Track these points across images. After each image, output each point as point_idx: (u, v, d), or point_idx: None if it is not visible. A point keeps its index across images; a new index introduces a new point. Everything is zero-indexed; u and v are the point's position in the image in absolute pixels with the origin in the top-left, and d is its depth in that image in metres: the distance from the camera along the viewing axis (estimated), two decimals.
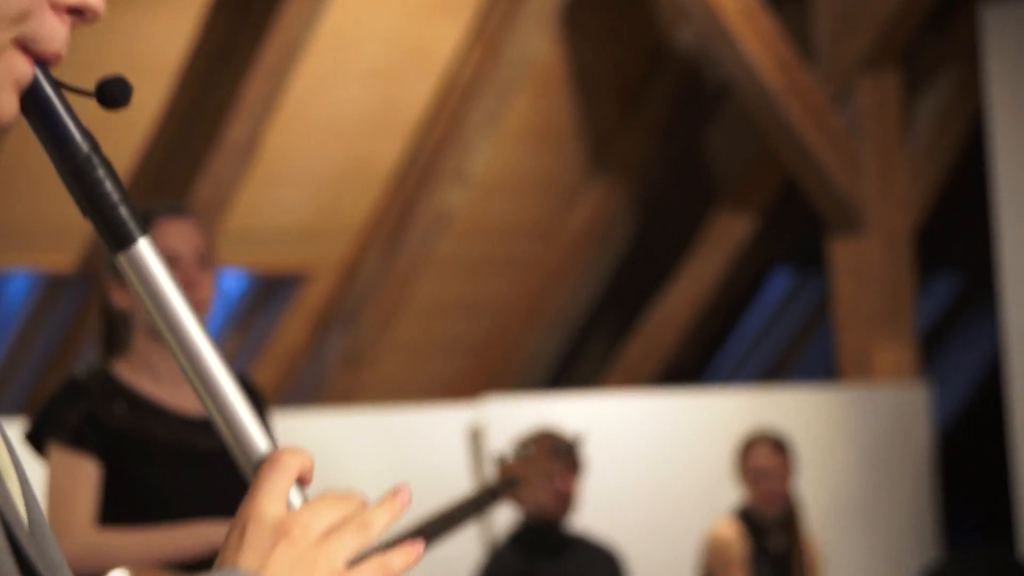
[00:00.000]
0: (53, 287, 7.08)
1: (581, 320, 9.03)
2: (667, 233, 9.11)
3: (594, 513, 5.94)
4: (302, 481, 1.16)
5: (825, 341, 8.92)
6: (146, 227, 3.66)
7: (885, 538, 7.00)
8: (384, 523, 1.16)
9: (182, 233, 3.24)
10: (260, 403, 3.32)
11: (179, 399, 3.26)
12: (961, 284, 10.85)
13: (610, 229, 8.61)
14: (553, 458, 3.88)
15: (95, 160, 1.15)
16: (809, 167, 7.26)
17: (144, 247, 1.17)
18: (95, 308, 3.35)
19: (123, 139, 6.47)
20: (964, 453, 10.17)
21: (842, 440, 7.02)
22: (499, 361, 8.72)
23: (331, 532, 1.13)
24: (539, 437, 4.40)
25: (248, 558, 1.11)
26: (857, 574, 6.87)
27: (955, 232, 9.72)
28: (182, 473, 3.22)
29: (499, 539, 5.54)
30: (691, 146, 8.88)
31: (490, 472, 3.87)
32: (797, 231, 9.44)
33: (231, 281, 7.70)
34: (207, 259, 3.28)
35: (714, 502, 6.39)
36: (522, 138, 7.99)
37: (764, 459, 6.10)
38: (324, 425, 5.84)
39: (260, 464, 1.15)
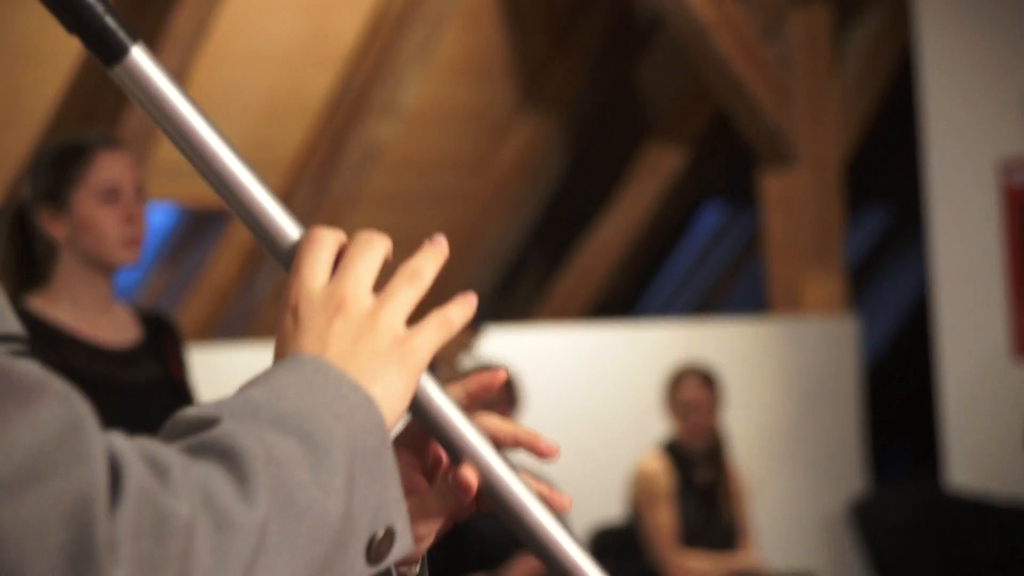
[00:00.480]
0: None
1: (513, 253, 9.04)
2: (599, 166, 9.11)
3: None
4: (341, 254, 1.12)
5: (756, 274, 8.97)
6: (84, 159, 3.55)
7: (813, 470, 7.07)
8: (432, 269, 1.14)
9: (121, 165, 3.21)
10: (175, 339, 3.30)
11: (100, 330, 3.23)
12: (890, 217, 10.92)
13: (542, 162, 8.61)
14: (464, 331, 3.86)
15: None
16: (740, 100, 7.27)
17: (139, 54, 1.11)
18: (11, 240, 3.28)
19: (51, 69, 6.40)
20: (891, 385, 10.26)
21: (771, 373, 7.07)
22: (431, 295, 8.69)
23: (384, 295, 1.11)
24: (472, 372, 4.40)
25: (307, 341, 1.08)
26: (785, 506, 6.93)
27: (885, 165, 9.76)
28: (105, 407, 3.19)
29: None
30: (623, 79, 8.88)
31: None
32: (728, 165, 9.47)
33: (160, 215, 7.65)
34: (142, 192, 3.25)
35: (644, 435, 6.43)
36: (453, 71, 7.96)
37: (692, 392, 6.14)
38: (255, 359, 5.82)
39: (298, 244, 1.11)
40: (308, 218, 7.47)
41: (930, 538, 6.56)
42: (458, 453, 1.12)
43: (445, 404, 1.12)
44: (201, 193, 7.49)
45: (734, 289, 10.62)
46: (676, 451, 6.18)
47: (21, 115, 6.50)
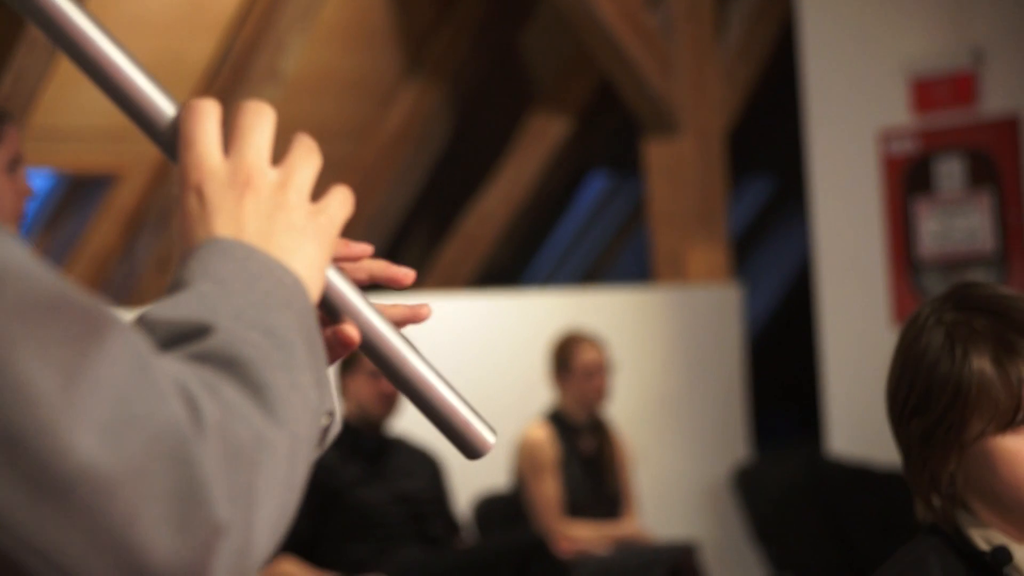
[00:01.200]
0: None
1: (398, 222, 9.00)
2: (483, 135, 9.09)
3: (408, 413, 5.95)
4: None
5: (641, 243, 9.00)
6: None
7: (697, 437, 7.11)
8: (314, 146, 1.12)
9: (21, 139, 3.18)
10: None
11: None
12: (773, 186, 11.00)
13: (426, 130, 8.57)
14: None
15: None
16: (623, 68, 7.27)
17: None
18: None
19: None
20: (775, 353, 10.35)
21: (656, 341, 7.09)
22: None
23: (287, 168, 1.08)
24: None
25: (220, 221, 1.03)
26: (669, 473, 6.96)
27: (767, 134, 9.83)
28: None
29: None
30: (507, 47, 8.85)
31: None
32: (613, 133, 9.48)
33: (38, 181, 7.53)
34: (16, 165, 3.21)
35: (529, 404, 6.43)
36: (336, 37, 7.89)
37: (594, 355, 6.14)
38: None
39: (181, 118, 1.06)
40: None
41: (811, 504, 6.63)
42: (338, 313, 1.13)
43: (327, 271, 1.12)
44: (79, 159, 7.38)
45: (619, 258, 10.66)
46: (560, 420, 6.19)
47: None
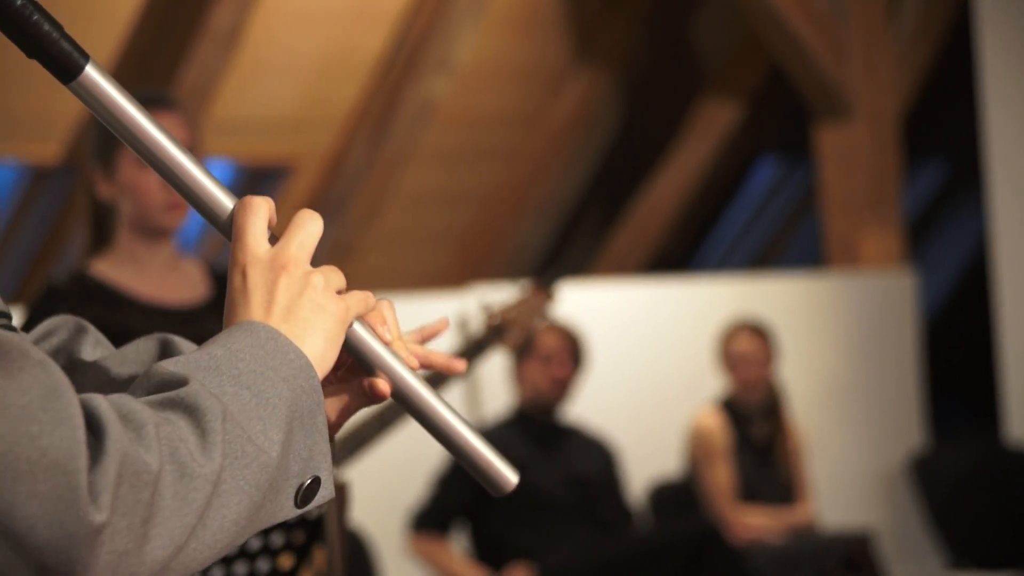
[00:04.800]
0: (39, 177, 7.05)
1: (568, 209, 9.02)
2: (653, 122, 9.08)
3: (581, 401, 5.97)
4: (270, 223, 1.30)
5: (812, 229, 8.93)
6: None
7: (871, 425, 7.04)
8: (314, 216, 1.32)
9: (171, 126, 3.19)
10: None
11: (163, 291, 3.23)
12: (948, 170, 10.84)
13: (596, 118, 8.58)
14: (538, 295, 3.82)
15: (30, 5, 1.23)
16: (794, 53, 7.22)
17: (91, 70, 1.26)
18: (82, 201, 3.29)
19: (106, 27, 6.42)
20: (950, 340, 10.21)
21: (828, 328, 7.04)
22: (486, 250, 8.72)
23: (319, 268, 1.30)
24: (523, 285, 4.33)
25: (256, 297, 1.26)
26: (843, 462, 6.91)
27: (942, 117, 9.69)
28: None
29: (492, 424, 5.57)
30: (677, 33, 8.83)
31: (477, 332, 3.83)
32: (784, 118, 9.42)
33: (216, 171, 7.67)
34: (195, 153, 3.24)
35: (700, 390, 6.42)
36: (507, 26, 7.93)
37: (744, 345, 6.12)
38: None
39: (235, 211, 1.29)
40: (364, 174, 7.47)
41: (990, 492, 6.53)
42: (371, 367, 1.35)
43: (360, 330, 1.34)
44: (257, 149, 7.51)
45: (790, 244, 10.58)
46: (732, 407, 6.17)
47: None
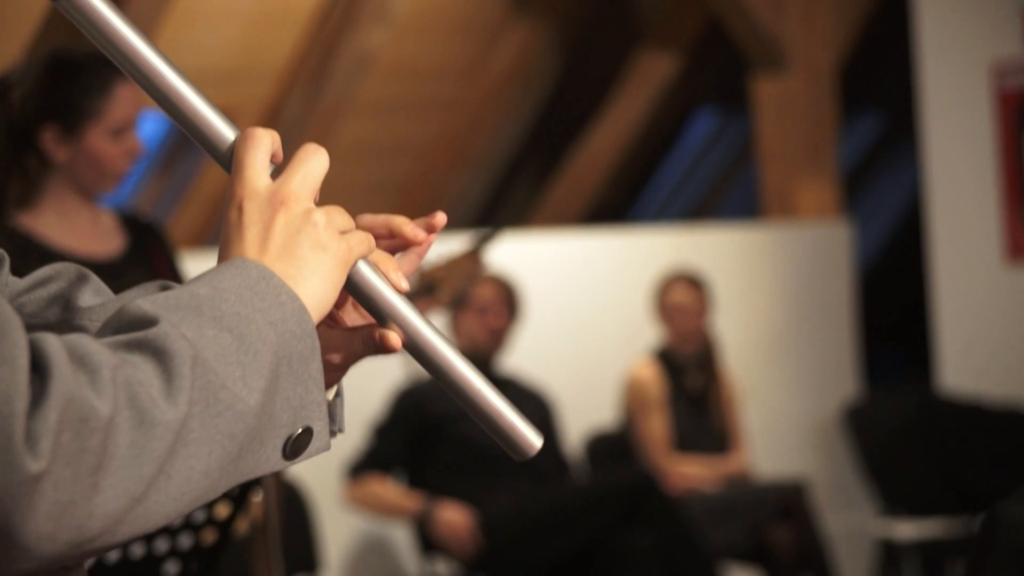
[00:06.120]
0: None
1: (506, 161, 9.02)
2: (591, 73, 9.08)
3: (518, 352, 5.98)
4: (274, 157, 1.23)
5: (749, 180, 8.96)
6: (104, 94, 3.43)
7: (806, 375, 7.09)
8: (319, 150, 1.24)
9: (135, 99, 3.16)
10: (163, 246, 3.27)
11: (90, 244, 3.19)
12: (884, 122, 10.89)
13: (533, 69, 8.57)
14: (470, 255, 3.83)
15: None
16: (731, 4, 7.23)
17: None
18: (8, 155, 3.22)
19: None
20: (885, 290, 10.28)
21: (765, 278, 7.08)
22: (424, 202, 8.70)
23: (320, 207, 1.22)
24: (456, 244, 4.32)
25: (252, 232, 1.19)
26: (777, 411, 6.96)
27: (878, 69, 9.73)
28: None
29: (428, 376, 5.57)
30: None
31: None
32: (721, 70, 9.43)
33: (153, 124, 7.63)
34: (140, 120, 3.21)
35: (636, 341, 6.45)
36: None
37: (680, 296, 6.16)
38: None
39: (237, 143, 1.21)
40: (301, 126, 7.44)
41: (923, 441, 6.60)
42: (384, 318, 1.26)
43: (371, 275, 1.25)
44: None
45: (727, 195, 10.62)
46: (668, 358, 6.20)
47: (18, 17, 6.45)
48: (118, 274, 3.15)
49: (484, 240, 3.94)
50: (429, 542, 5.47)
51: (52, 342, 1.05)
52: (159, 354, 1.08)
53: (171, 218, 7.69)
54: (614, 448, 6.19)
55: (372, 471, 5.40)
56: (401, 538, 5.91)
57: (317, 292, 1.19)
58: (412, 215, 1.24)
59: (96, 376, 1.04)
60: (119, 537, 1.07)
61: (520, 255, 6.34)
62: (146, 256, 3.23)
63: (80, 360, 1.05)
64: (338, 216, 1.22)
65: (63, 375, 1.03)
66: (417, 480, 5.47)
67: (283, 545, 3.29)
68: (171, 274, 3.24)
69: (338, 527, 5.75)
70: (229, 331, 1.12)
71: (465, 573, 5.47)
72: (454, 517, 5.32)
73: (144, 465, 1.06)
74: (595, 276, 6.67)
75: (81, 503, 1.04)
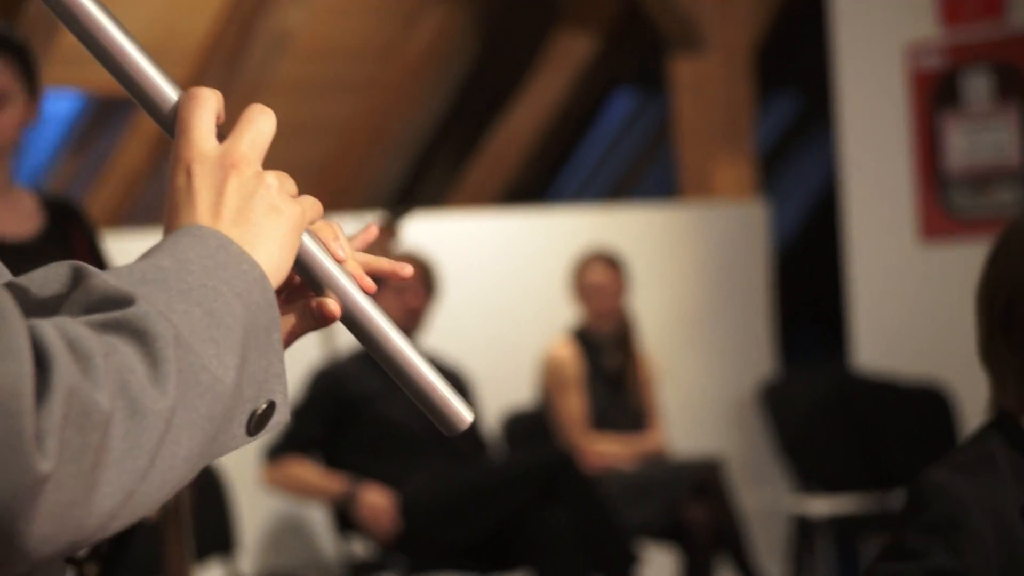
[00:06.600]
0: None
1: (425, 141, 9.00)
2: (510, 53, 9.07)
3: (435, 331, 5.98)
4: (218, 119, 1.18)
5: (668, 160, 8.99)
6: None
7: (723, 354, 7.13)
8: (266, 109, 1.22)
9: (11, 71, 3.13)
10: (83, 226, 3.24)
11: (10, 226, 3.16)
12: (800, 102, 10.96)
13: (452, 49, 8.56)
14: (382, 233, 3.83)
15: None
16: None
17: None
18: None
19: None
20: (801, 269, 10.35)
21: (682, 258, 7.11)
22: (343, 182, 8.68)
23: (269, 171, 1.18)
24: (368, 221, 4.30)
25: (203, 198, 1.13)
26: (694, 390, 7.00)
27: (795, 51, 9.78)
28: None
29: (345, 355, 5.56)
30: None
31: None
32: (639, 51, 9.45)
33: (66, 103, 7.56)
34: (19, 96, 3.16)
35: (554, 321, 6.46)
36: None
37: (597, 276, 6.17)
38: None
39: (180, 103, 1.17)
40: None
41: (837, 419, 6.65)
42: (321, 287, 1.21)
43: (310, 243, 1.20)
44: (106, 79, 7.39)
45: (646, 176, 10.65)
46: (585, 337, 6.22)
47: None
48: (36, 254, 3.12)
49: (396, 217, 3.94)
50: (346, 523, 5.46)
51: (48, 329, 0.97)
52: (140, 336, 1.01)
53: (87, 197, 7.63)
54: (531, 427, 6.20)
55: (291, 452, 5.39)
56: (318, 519, 5.90)
57: (274, 258, 1.14)
58: (331, 195, 1.22)
59: (90, 364, 0.97)
60: (109, 532, 1.01)
61: (438, 234, 6.34)
62: (65, 236, 3.19)
63: (73, 347, 0.97)
64: (287, 180, 1.19)
65: (64, 366, 0.95)
66: (334, 461, 5.45)
67: (197, 527, 3.28)
68: (90, 254, 3.21)
69: (254, 508, 5.74)
70: (199, 305, 1.05)
71: (383, 554, 5.46)
72: (377, 500, 5.31)
73: (138, 458, 0.99)
74: (513, 256, 6.68)
75: (82, 503, 0.97)
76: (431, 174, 9.40)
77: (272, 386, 1.11)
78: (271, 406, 1.11)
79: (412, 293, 5.55)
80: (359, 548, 5.64)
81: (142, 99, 1.18)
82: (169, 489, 1.03)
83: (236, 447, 1.10)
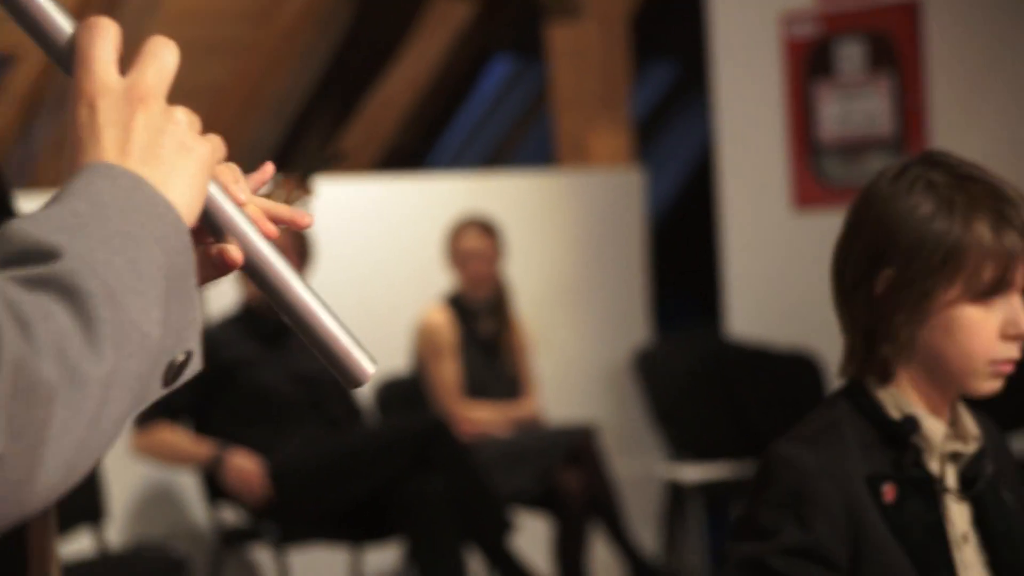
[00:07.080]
0: None
1: (300, 105, 8.92)
2: (386, 17, 9.01)
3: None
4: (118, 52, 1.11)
5: (545, 127, 8.99)
6: None
7: (598, 321, 7.14)
8: (169, 43, 1.14)
9: None
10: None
11: None
12: (677, 71, 10.99)
13: (328, 12, 8.48)
14: (294, 190, 3.78)
15: None
16: None
17: None
18: None
19: None
20: (677, 237, 10.40)
21: (558, 225, 7.10)
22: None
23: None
24: (276, 179, 4.23)
25: (109, 134, 1.06)
26: (569, 357, 7.00)
27: (671, 18, 9.80)
28: None
29: (218, 321, 5.51)
30: None
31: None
32: (518, 17, 9.43)
33: None
34: None
35: (430, 288, 6.44)
36: None
37: (472, 242, 6.16)
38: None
39: (79, 34, 1.09)
40: None
41: (710, 387, 6.69)
42: (222, 233, 1.15)
43: (211, 186, 1.14)
44: None
45: (523, 142, 10.64)
46: (460, 303, 6.20)
47: None
48: None
49: (308, 171, 3.89)
50: (217, 490, 5.40)
51: None
52: (70, 294, 0.93)
53: None
54: (406, 394, 6.17)
55: (160, 419, 5.32)
56: (188, 485, 5.83)
57: (186, 198, 1.07)
58: None
59: (31, 332, 0.90)
60: (45, 507, 0.95)
61: (314, 200, 6.27)
62: None
63: (12, 311, 0.90)
64: (193, 116, 1.12)
65: (10, 338, 0.89)
66: (205, 427, 5.40)
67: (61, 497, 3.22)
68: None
69: (122, 476, 5.66)
70: (120, 254, 0.98)
71: (254, 522, 5.42)
72: (244, 464, 5.26)
73: (79, 428, 0.93)
74: (389, 221, 6.64)
75: (26, 480, 0.91)
76: (307, 139, 9.33)
77: (189, 335, 1.04)
78: (188, 355, 1.05)
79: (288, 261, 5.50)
80: (230, 516, 5.59)
81: (34, 31, 1.10)
82: (100, 454, 0.98)
83: (153, 400, 1.03)
